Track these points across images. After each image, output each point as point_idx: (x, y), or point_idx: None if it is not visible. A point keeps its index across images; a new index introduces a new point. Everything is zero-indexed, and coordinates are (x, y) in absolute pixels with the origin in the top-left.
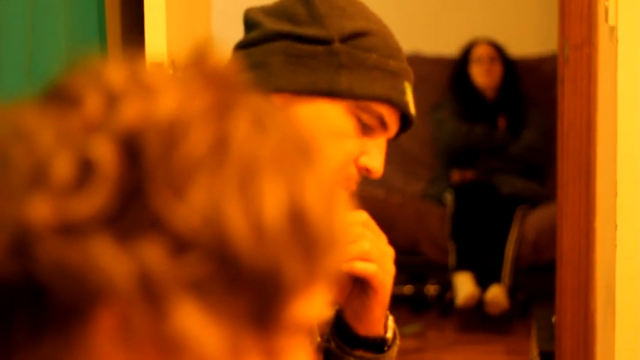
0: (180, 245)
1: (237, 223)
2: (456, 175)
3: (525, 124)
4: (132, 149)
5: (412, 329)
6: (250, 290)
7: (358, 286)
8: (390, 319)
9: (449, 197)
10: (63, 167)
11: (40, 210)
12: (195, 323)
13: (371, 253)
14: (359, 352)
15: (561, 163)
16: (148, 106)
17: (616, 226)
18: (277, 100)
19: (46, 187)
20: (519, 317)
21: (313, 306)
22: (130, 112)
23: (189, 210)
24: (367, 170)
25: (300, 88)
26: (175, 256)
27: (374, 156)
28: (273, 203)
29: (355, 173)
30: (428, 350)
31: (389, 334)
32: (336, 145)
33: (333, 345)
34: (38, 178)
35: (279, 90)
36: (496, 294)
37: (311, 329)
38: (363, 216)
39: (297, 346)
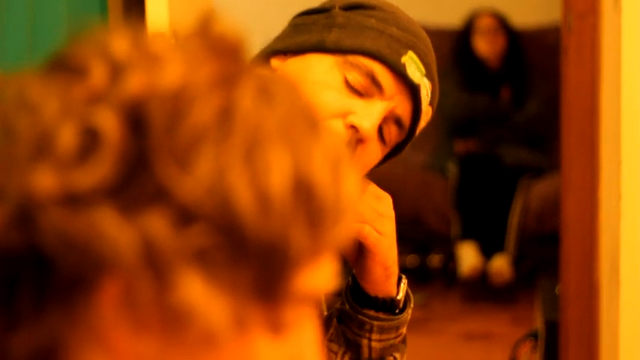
0: (185, 216)
1: (242, 194)
2: (459, 146)
3: (529, 94)
4: (136, 120)
5: (416, 300)
6: (255, 262)
7: (363, 249)
8: (404, 282)
9: (452, 167)
10: (67, 138)
11: (45, 180)
12: (200, 294)
13: (364, 214)
14: (370, 312)
15: (565, 133)
16: (153, 76)
17: (620, 195)
18: (275, 62)
19: (50, 157)
20: (524, 287)
21: (319, 277)
22: (135, 83)
23: (194, 181)
24: (356, 130)
25: (292, 48)
26: (180, 227)
27: (362, 115)
28: (279, 174)
29: (342, 131)
30: (432, 321)
31: (400, 296)
32: (318, 95)
33: (346, 306)
34: (43, 148)
35: (275, 52)
36: (500, 264)
37: (317, 301)
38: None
39: (304, 318)
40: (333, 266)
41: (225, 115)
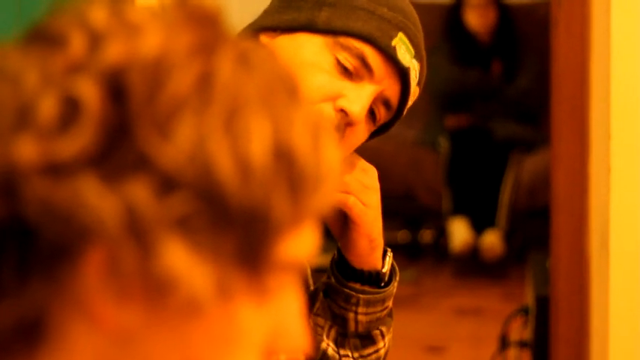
0: (166, 184)
1: (223, 162)
2: (450, 121)
3: (520, 69)
4: (117, 88)
5: (407, 276)
6: (238, 229)
7: (348, 221)
8: (389, 255)
9: (443, 142)
10: (48, 107)
11: (27, 150)
12: (183, 261)
13: (349, 185)
14: (355, 285)
15: (555, 107)
16: (132, 45)
17: (609, 169)
18: (264, 38)
19: (31, 127)
20: (515, 262)
21: (301, 245)
22: (114, 52)
23: (175, 149)
24: (345, 113)
25: (281, 25)
26: (162, 194)
27: (352, 99)
28: (259, 141)
29: (332, 116)
30: (423, 296)
31: (385, 269)
32: (307, 76)
33: (332, 280)
34: (24, 118)
35: (263, 29)
36: (492, 240)
37: (300, 269)
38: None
39: (287, 286)
40: (315, 234)
41: (205, 83)
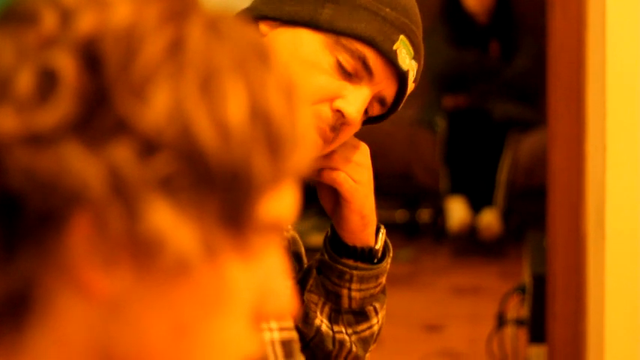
0: (147, 146)
1: (201, 123)
2: (448, 101)
3: (518, 49)
4: (91, 58)
5: (405, 255)
6: (220, 188)
7: (338, 195)
8: (382, 231)
9: (441, 122)
10: (25, 81)
11: (7, 122)
12: (168, 221)
13: (337, 161)
14: (348, 261)
15: (551, 87)
16: (103, 15)
17: (605, 147)
18: (263, 27)
19: (10, 100)
20: (512, 241)
21: (282, 205)
22: (86, 23)
23: (153, 112)
24: (342, 115)
25: (282, 17)
26: (144, 156)
27: (350, 101)
28: (235, 103)
29: (328, 116)
30: (421, 275)
31: (378, 246)
32: (306, 76)
33: (326, 257)
34: (2, 93)
35: (263, 17)
36: (489, 219)
37: (282, 229)
38: None
39: (270, 245)
40: (295, 194)
41: (177, 49)
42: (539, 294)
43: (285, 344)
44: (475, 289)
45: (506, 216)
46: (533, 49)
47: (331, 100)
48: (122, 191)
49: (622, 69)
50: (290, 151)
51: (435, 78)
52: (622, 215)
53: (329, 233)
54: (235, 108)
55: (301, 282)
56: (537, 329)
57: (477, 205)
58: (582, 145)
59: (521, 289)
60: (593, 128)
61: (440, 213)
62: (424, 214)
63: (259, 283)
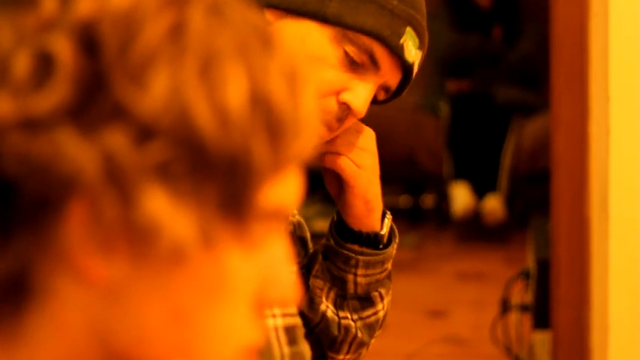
0: (144, 132)
1: (200, 108)
2: (451, 85)
3: (521, 33)
4: (89, 42)
5: (409, 240)
6: (219, 176)
7: (342, 180)
8: (388, 217)
9: (444, 107)
10: (22, 64)
11: (2, 107)
12: (164, 208)
13: (339, 145)
14: (354, 246)
15: (555, 71)
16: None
17: (609, 131)
18: (269, 15)
19: (7, 84)
20: (516, 226)
21: (284, 192)
22: (84, 7)
23: (150, 98)
24: (348, 107)
25: (289, 7)
26: (140, 142)
27: (357, 94)
28: (235, 88)
29: (335, 108)
30: (425, 261)
31: (384, 231)
32: (314, 70)
33: (331, 242)
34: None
35: (270, 6)
36: (493, 204)
37: (285, 217)
38: None
39: (273, 234)
40: (298, 181)
41: (177, 33)
42: (543, 279)
43: (289, 330)
44: (479, 274)
45: (510, 201)
46: (536, 33)
47: (337, 92)
48: (117, 177)
49: (625, 53)
50: (292, 137)
51: (438, 63)
52: (626, 199)
53: (335, 218)
54: (235, 93)
55: (307, 267)
56: (541, 315)
57: (480, 190)
58: (586, 129)
59: (526, 275)
60: (597, 112)
61: (444, 198)
62: (428, 200)
63: (261, 272)
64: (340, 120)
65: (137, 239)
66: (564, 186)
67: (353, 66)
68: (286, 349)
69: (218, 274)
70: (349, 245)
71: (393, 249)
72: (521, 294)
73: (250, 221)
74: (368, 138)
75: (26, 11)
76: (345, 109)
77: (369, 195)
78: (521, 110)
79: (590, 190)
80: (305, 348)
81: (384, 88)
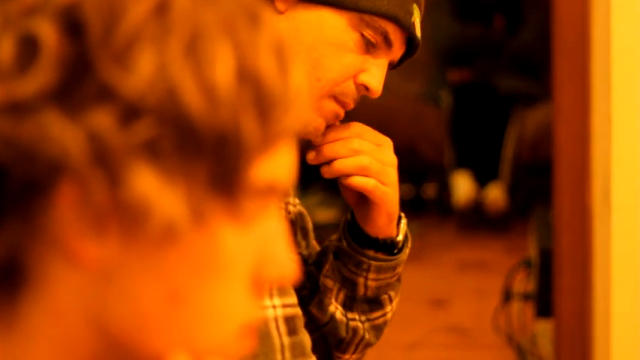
0: (130, 112)
1: (186, 86)
2: (453, 75)
3: (523, 23)
4: (73, 24)
5: (411, 230)
6: (208, 153)
7: (363, 194)
8: (403, 221)
9: (446, 97)
10: (6, 49)
11: None
12: (153, 187)
13: (369, 167)
14: (369, 252)
15: (556, 60)
16: None
17: (611, 120)
18: (280, 4)
19: None
20: (518, 216)
21: (276, 167)
22: None
23: (136, 77)
24: (366, 88)
25: None
26: (126, 122)
27: (374, 74)
28: (222, 65)
29: (353, 90)
30: (427, 250)
31: (400, 237)
32: (334, 57)
33: (344, 244)
34: None
35: None
36: (495, 194)
37: (279, 192)
38: (358, 127)
39: (267, 209)
40: (290, 156)
41: (162, 11)
42: (545, 268)
43: (289, 320)
44: (481, 263)
45: (512, 190)
46: (538, 22)
47: (356, 75)
48: (105, 158)
49: (627, 42)
50: (281, 112)
51: (440, 52)
52: (628, 189)
53: (348, 218)
54: (222, 69)
55: (317, 265)
56: (544, 303)
57: (482, 179)
58: (587, 118)
59: (527, 264)
60: (599, 101)
61: (445, 188)
62: (430, 189)
63: (257, 249)
64: (356, 101)
65: (127, 219)
66: (566, 175)
67: (368, 47)
68: (286, 340)
69: (212, 252)
70: (363, 250)
71: (404, 254)
72: (523, 283)
73: (242, 198)
74: (389, 149)
75: None
76: (363, 90)
77: (393, 209)
78: (523, 100)
79: (592, 180)
80: (305, 338)
81: (391, 63)
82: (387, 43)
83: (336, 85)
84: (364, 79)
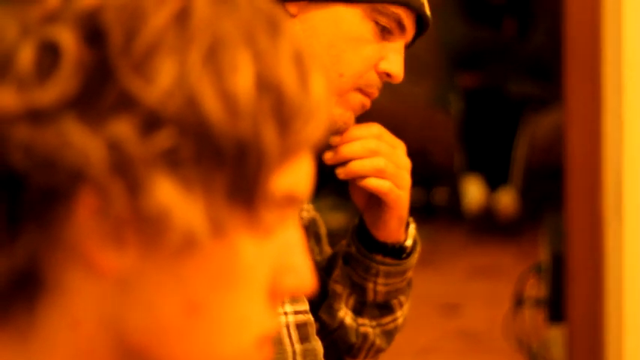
0: (150, 121)
1: (206, 95)
2: (463, 80)
3: (533, 26)
4: (93, 32)
5: (421, 235)
6: (227, 163)
7: (375, 197)
8: (412, 226)
9: (456, 101)
10: (26, 56)
11: (7, 99)
12: (172, 197)
13: (385, 169)
14: (377, 257)
15: (568, 64)
16: None
17: (622, 125)
18: (292, 7)
19: (12, 77)
20: (530, 221)
21: (295, 178)
22: None
23: (156, 86)
24: (388, 75)
25: None
26: (146, 132)
27: (393, 60)
28: (242, 74)
29: (376, 79)
30: (438, 255)
31: (408, 242)
32: (354, 51)
33: (353, 249)
34: (4, 70)
35: None
36: (506, 200)
37: (299, 203)
38: (376, 128)
39: (285, 220)
40: (309, 167)
41: (182, 20)
42: (557, 273)
43: (301, 327)
44: (492, 269)
45: (524, 195)
46: (549, 25)
47: (376, 64)
48: (125, 167)
49: (638, 46)
50: (302, 123)
51: (450, 56)
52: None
53: (357, 224)
54: (242, 79)
55: (326, 270)
56: (556, 309)
57: (493, 183)
58: (599, 123)
59: (538, 269)
60: (611, 105)
61: (456, 193)
62: (440, 194)
63: (275, 259)
64: (380, 89)
65: (147, 229)
66: (578, 180)
67: (384, 34)
68: (298, 347)
69: (230, 263)
70: (372, 254)
71: (414, 259)
72: (535, 288)
73: (261, 208)
74: (402, 152)
75: (30, 3)
76: (384, 77)
77: (405, 213)
78: (534, 104)
79: (604, 184)
80: (317, 345)
81: (406, 45)
82: (401, 27)
83: (360, 78)
84: (385, 66)
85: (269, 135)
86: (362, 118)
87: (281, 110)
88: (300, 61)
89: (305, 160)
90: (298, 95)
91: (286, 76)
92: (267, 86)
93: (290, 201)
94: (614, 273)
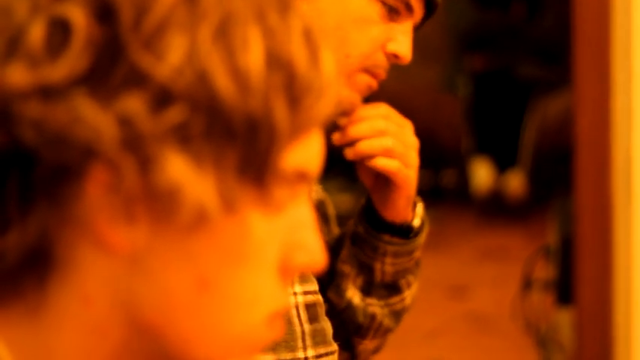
0: (161, 97)
1: (217, 71)
2: (472, 62)
3: (543, 9)
4: (104, 9)
5: (430, 217)
6: (238, 139)
7: (383, 177)
8: (419, 205)
9: (465, 83)
10: (37, 33)
11: (18, 76)
12: (183, 172)
13: (394, 149)
14: (385, 236)
15: (577, 47)
16: None
17: (631, 107)
18: None
19: (22, 54)
20: (538, 203)
21: (305, 155)
22: None
23: (167, 63)
24: (395, 56)
25: None
26: (157, 107)
27: (401, 41)
28: (252, 50)
29: (383, 60)
30: (446, 238)
31: (416, 222)
32: (361, 32)
33: (361, 229)
34: (15, 46)
35: None
36: (515, 183)
37: (309, 180)
38: (384, 109)
39: (296, 197)
40: (319, 144)
41: None
42: (566, 256)
43: (310, 307)
44: (501, 251)
45: (532, 178)
46: (559, 7)
47: (384, 45)
48: (136, 143)
49: None
50: (313, 99)
51: (458, 38)
52: None
53: (364, 204)
54: (252, 55)
55: (334, 250)
56: (564, 291)
57: (502, 165)
58: (608, 105)
59: (546, 251)
60: (620, 88)
61: (465, 174)
62: (449, 176)
63: (286, 236)
64: (387, 70)
65: (158, 205)
66: (587, 162)
67: (391, 15)
68: (307, 327)
69: (241, 239)
70: (379, 234)
71: (422, 238)
72: (543, 271)
73: (272, 185)
74: (410, 132)
75: None
76: (392, 58)
77: (412, 192)
78: (543, 87)
79: (614, 167)
80: (326, 325)
81: (414, 26)
82: (409, 8)
83: (367, 59)
84: (393, 47)
85: (280, 111)
86: (370, 101)
87: (292, 87)
88: (310, 38)
89: (315, 137)
90: (309, 72)
91: (297, 52)
92: (277, 63)
93: (301, 177)
94: (623, 255)
